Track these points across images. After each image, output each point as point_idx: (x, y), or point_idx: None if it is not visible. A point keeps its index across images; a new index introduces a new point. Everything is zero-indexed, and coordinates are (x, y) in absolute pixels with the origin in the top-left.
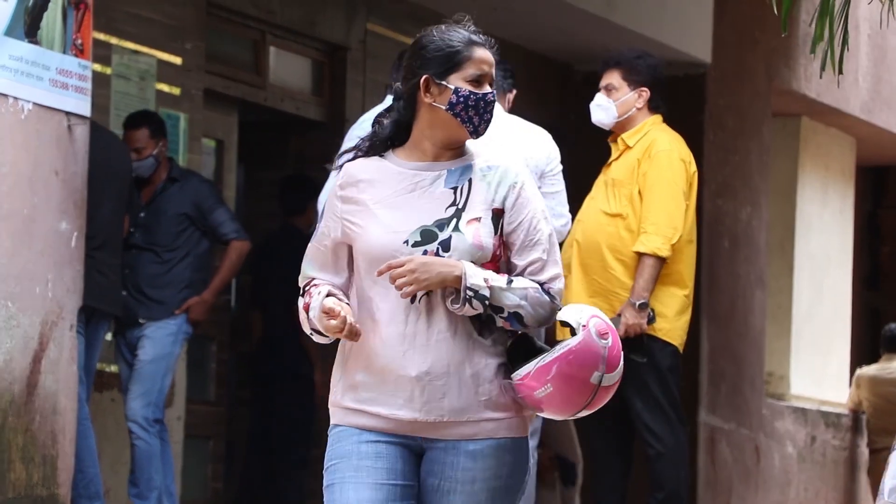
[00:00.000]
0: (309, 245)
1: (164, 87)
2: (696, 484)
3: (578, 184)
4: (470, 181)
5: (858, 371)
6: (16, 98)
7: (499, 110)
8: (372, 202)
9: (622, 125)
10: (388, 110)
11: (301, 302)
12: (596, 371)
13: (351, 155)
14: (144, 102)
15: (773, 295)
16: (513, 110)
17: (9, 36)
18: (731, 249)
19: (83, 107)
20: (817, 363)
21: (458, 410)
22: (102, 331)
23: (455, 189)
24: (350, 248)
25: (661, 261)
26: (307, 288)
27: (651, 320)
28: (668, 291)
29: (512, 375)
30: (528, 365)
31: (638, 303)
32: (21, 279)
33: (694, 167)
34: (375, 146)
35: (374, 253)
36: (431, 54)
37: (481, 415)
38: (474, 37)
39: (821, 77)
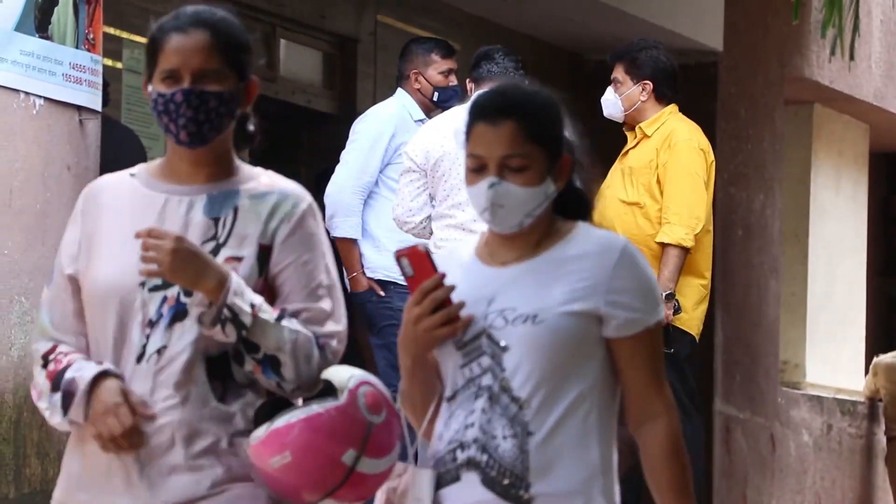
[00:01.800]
0: (46, 289)
1: None
2: (712, 473)
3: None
4: (236, 210)
5: (876, 359)
6: (27, 93)
7: None
8: (108, 231)
9: (634, 116)
10: None
11: (40, 373)
12: (351, 448)
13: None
14: None
15: (788, 283)
16: None
17: (19, 31)
18: (745, 238)
19: (95, 101)
20: (832, 351)
21: (189, 493)
22: None
23: (217, 220)
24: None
25: (686, 251)
26: (51, 355)
27: (677, 311)
28: (686, 281)
29: (250, 438)
30: (264, 425)
31: (665, 293)
32: (34, 274)
33: (712, 157)
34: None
35: (99, 296)
36: (147, 48)
37: (216, 500)
38: (179, 18)
39: (829, 61)
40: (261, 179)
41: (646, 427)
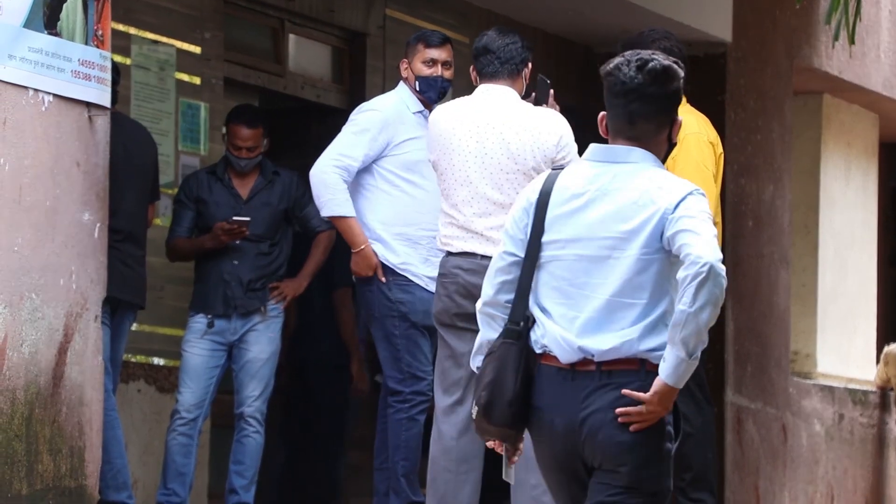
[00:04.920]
0: None
1: (184, 77)
2: (724, 464)
3: None
4: None
5: (886, 348)
6: (36, 90)
7: (513, 96)
8: None
9: None
10: None
11: None
12: None
13: None
14: (165, 93)
15: (798, 274)
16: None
17: (28, 28)
18: (755, 229)
19: (104, 98)
20: (843, 341)
21: None
22: (128, 321)
23: None
24: None
25: None
26: None
27: None
28: None
29: None
30: None
31: None
32: (45, 271)
33: (720, 149)
34: None
35: None
36: None
37: None
38: None
39: (833, 46)
40: None
41: None
